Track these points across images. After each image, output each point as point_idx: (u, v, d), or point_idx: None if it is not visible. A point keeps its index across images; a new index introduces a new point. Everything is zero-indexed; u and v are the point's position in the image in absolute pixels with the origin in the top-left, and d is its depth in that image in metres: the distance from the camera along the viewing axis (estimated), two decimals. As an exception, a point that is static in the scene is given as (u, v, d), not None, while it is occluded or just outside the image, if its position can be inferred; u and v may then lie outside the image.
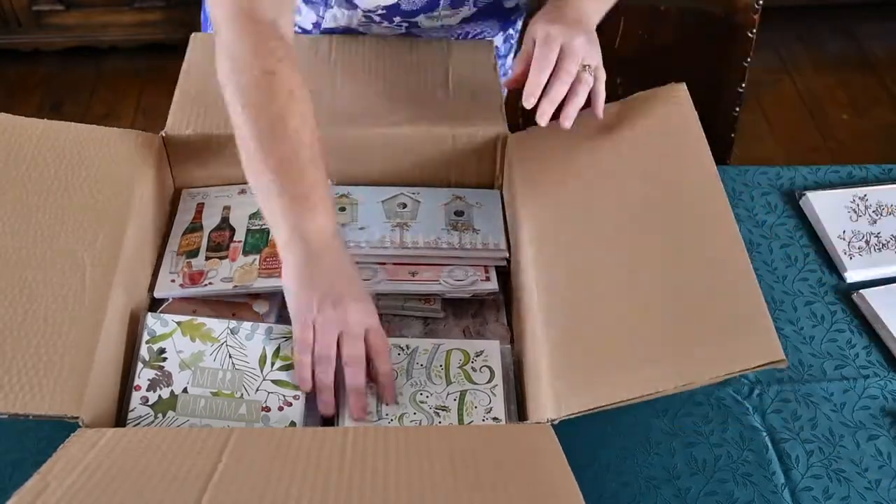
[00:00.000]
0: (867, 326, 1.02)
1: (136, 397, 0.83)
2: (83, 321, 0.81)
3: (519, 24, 1.29)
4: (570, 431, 0.76)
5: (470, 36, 1.17)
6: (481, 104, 1.02)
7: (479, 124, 1.01)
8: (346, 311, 0.83)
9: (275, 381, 0.85)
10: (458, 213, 1.02)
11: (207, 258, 0.96)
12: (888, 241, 1.10)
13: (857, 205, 1.14)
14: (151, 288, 0.95)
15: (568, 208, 0.92)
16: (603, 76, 0.95)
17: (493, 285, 0.97)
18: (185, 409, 0.83)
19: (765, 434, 0.92)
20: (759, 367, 0.76)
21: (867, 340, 1.01)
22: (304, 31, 1.16)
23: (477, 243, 0.99)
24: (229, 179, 1.04)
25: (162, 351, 0.86)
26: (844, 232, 1.11)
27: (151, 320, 0.87)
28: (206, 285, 0.93)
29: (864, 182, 1.18)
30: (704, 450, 0.91)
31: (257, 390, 0.84)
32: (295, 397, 0.84)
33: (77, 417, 0.75)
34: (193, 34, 1.10)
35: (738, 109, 1.50)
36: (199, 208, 1.01)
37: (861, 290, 1.05)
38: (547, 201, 0.93)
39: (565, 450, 0.73)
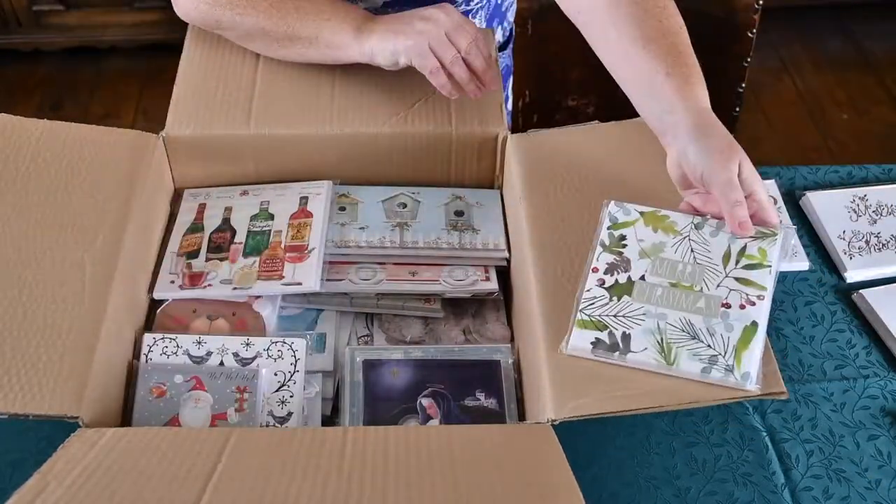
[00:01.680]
0: (867, 326, 1.03)
1: (592, 278, 0.83)
2: (83, 321, 0.81)
3: (510, 16, 1.29)
4: (570, 431, 0.76)
5: None
6: (481, 104, 1.02)
7: (479, 124, 1.01)
8: (438, 20, 0.93)
9: (738, 279, 0.83)
10: (458, 213, 1.02)
11: (208, 259, 0.96)
12: (888, 241, 1.10)
13: (857, 205, 1.14)
14: (152, 288, 0.95)
15: (568, 208, 0.92)
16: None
17: (493, 285, 0.97)
18: (641, 296, 0.82)
19: (765, 434, 0.92)
20: (760, 396, 0.77)
21: (867, 340, 1.01)
22: None
23: (477, 243, 0.99)
24: (230, 179, 1.04)
25: (622, 238, 0.85)
26: (844, 232, 1.11)
27: (614, 208, 0.87)
28: (205, 287, 0.93)
29: (864, 182, 1.18)
30: (704, 450, 0.91)
31: (718, 286, 0.82)
32: (759, 297, 0.82)
33: (77, 417, 0.75)
34: (191, 26, 1.10)
35: (738, 109, 1.51)
36: (201, 209, 1.01)
37: (861, 290, 1.05)
38: (547, 201, 0.93)
39: (565, 450, 0.73)
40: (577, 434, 0.78)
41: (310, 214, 0.98)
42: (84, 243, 0.87)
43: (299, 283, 0.93)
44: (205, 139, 0.99)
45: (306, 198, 1.00)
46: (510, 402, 0.89)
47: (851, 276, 1.07)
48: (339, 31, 0.98)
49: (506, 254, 0.98)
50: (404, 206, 1.02)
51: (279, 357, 0.89)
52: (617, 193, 0.91)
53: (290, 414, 0.87)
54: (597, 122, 1.00)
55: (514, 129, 1.01)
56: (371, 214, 1.01)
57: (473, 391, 0.89)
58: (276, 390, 0.88)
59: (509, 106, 1.39)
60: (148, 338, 0.90)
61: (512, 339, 0.96)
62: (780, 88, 2.57)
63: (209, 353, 0.89)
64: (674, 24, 0.92)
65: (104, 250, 0.86)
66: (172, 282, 0.95)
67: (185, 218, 1.01)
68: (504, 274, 0.99)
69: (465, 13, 1.18)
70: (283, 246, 0.96)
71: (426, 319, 0.97)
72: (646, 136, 0.92)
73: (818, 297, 1.06)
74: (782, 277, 1.07)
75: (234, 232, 0.98)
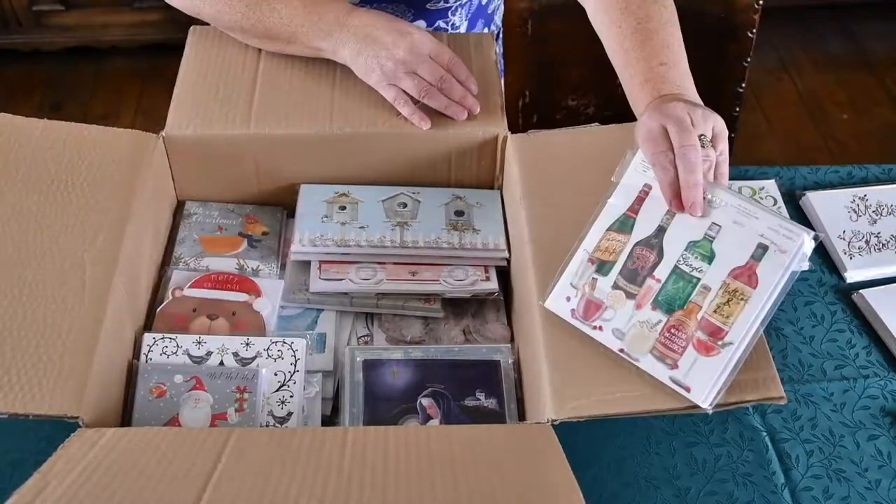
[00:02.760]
0: (867, 326, 1.03)
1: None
2: (83, 321, 0.81)
3: (498, 19, 1.29)
4: (570, 431, 0.76)
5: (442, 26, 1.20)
6: (481, 104, 1.02)
7: (479, 124, 1.01)
8: (408, 50, 0.97)
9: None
10: (458, 213, 1.02)
11: (616, 285, 0.75)
12: (888, 241, 1.10)
13: (857, 205, 1.14)
14: (155, 290, 0.95)
15: (568, 208, 0.92)
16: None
17: (493, 285, 0.97)
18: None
19: (765, 434, 0.92)
20: (758, 400, 0.77)
21: (867, 340, 1.01)
22: None
23: (477, 243, 0.99)
24: (230, 179, 1.04)
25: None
26: (844, 232, 1.11)
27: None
28: (595, 327, 0.75)
29: (864, 182, 1.18)
30: (704, 450, 0.91)
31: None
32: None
33: (77, 417, 0.75)
34: (192, 27, 1.10)
35: (738, 109, 1.50)
36: (643, 195, 0.77)
37: (861, 290, 1.05)
38: (547, 201, 0.93)
39: (565, 450, 0.73)
40: (577, 434, 0.78)
41: (756, 282, 0.75)
42: (84, 243, 0.87)
43: (687, 390, 0.74)
44: (205, 139, 0.99)
45: (765, 248, 0.77)
46: (510, 402, 0.89)
47: (851, 276, 1.07)
48: (313, 38, 0.99)
49: (506, 254, 0.98)
50: (404, 205, 1.02)
51: (279, 357, 0.89)
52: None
53: (290, 414, 0.87)
54: (597, 124, 1.00)
55: (514, 129, 1.01)
56: (371, 214, 1.01)
57: (473, 391, 0.89)
58: (276, 390, 0.88)
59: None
60: (148, 338, 0.90)
61: (512, 339, 0.96)
62: (780, 88, 2.57)
63: (209, 353, 0.89)
64: (664, 15, 0.95)
65: (104, 250, 0.86)
66: (569, 298, 0.80)
67: (618, 202, 0.79)
68: (504, 274, 0.99)
69: (444, 10, 1.18)
70: (699, 317, 0.76)
71: (426, 319, 0.97)
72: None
73: (818, 297, 1.06)
74: (782, 277, 1.07)
75: (660, 256, 0.77)
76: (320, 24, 0.99)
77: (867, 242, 1.10)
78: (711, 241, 0.79)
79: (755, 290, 0.77)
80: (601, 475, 0.88)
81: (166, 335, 0.90)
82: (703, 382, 0.76)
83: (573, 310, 0.82)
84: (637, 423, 0.92)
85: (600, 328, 0.80)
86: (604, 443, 0.90)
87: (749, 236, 0.78)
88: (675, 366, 0.77)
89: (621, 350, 0.79)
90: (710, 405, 0.76)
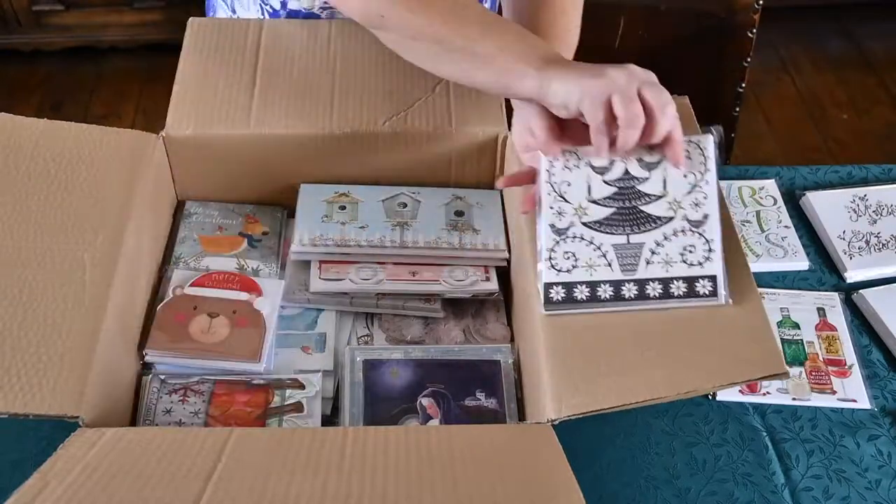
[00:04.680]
0: (867, 326, 1.02)
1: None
2: (83, 321, 0.81)
3: None
4: (570, 431, 0.75)
5: None
6: (481, 104, 1.02)
7: (479, 124, 1.01)
8: (633, 72, 0.80)
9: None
10: (458, 213, 1.02)
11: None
12: (888, 241, 1.10)
13: (857, 205, 1.14)
14: (155, 290, 0.95)
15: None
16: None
17: (493, 285, 0.97)
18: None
19: (765, 434, 0.92)
20: (760, 378, 0.77)
21: (867, 340, 1.01)
22: (274, 12, 1.15)
23: (477, 243, 0.99)
24: (230, 179, 1.04)
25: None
26: (844, 232, 1.11)
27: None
28: (762, 394, 0.96)
29: (864, 182, 1.18)
30: (704, 450, 0.91)
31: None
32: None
33: (77, 417, 0.75)
34: (191, 19, 1.09)
35: (737, 109, 1.51)
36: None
37: (861, 290, 1.05)
38: (547, 201, 0.93)
39: (565, 450, 0.73)
40: (577, 434, 0.78)
41: (833, 327, 1.01)
42: (84, 243, 0.87)
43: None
44: (205, 139, 0.99)
45: (823, 309, 1.02)
46: (510, 402, 0.89)
47: (851, 276, 1.07)
48: (522, 59, 0.83)
49: (506, 254, 0.98)
50: (404, 205, 1.02)
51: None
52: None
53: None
54: None
55: (514, 129, 1.01)
56: (371, 214, 1.01)
57: (473, 391, 0.89)
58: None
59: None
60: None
61: (512, 339, 0.96)
62: (780, 88, 2.57)
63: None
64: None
65: (104, 250, 0.86)
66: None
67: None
68: (504, 274, 0.99)
69: None
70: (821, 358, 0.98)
71: (426, 319, 0.97)
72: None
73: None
74: (782, 276, 1.07)
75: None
76: (536, 47, 0.85)
77: (867, 242, 1.10)
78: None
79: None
80: (601, 475, 0.88)
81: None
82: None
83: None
84: (637, 423, 0.92)
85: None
86: (604, 443, 0.90)
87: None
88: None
89: None
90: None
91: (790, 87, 2.57)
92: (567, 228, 0.82)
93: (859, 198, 1.15)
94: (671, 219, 0.82)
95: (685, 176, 0.82)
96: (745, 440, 0.92)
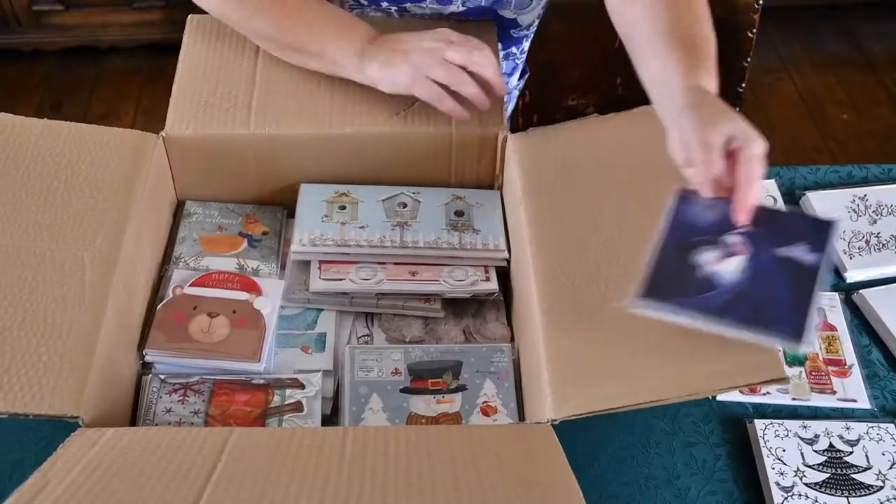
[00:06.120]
0: (867, 326, 1.02)
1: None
2: (83, 321, 0.81)
3: (525, 45, 1.25)
4: (570, 431, 0.76)
5: None
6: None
7: (479, 124, 1.01)
8: (434, 38, 0.95)
9: None
10: (458, 213, 1.02)
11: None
12: (888, 241, 1.10)
13: (857, 205, 1.14)
14: (155, 290, 0.95)
15: (568, 208, 0.92)
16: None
17: (493, 285, 0.97)
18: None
19: (765, 434, 0.92)
20: (760, 382, 0.77)
21: (867, 340, 1.01)
22: None
23: (477, 243, 0.99)
24: (230, 179, 1.04)
25: None
26: (844, 232, 1.11)
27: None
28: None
29: (864, 182, 1.18)
30: (704, 450, 0.91)
31: None
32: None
33: (77, 417, 0.75)
34: (191, 16, 1.09)
35: (737, 109, 1.50)
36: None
37: (861, 290, 1.05)
38: (547, 201, 0.93)
39: (565, 450, 0.73)
40: (577, 434, 0.78)
41: (833, 327, 1.01)
42: (84, 243, 0.87)
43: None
44: (205, 139, 0.99)
45: (823, 309, 1.02)
46: (510, 402, 0.89)
47: (851, 276, 1.07)
48: (344, 54, 0.98)
49: (506, 254, 0.98)
50: (404, 205, 1.02)
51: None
52: (617, 191, 0.91)
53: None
54: (596, 115, 1.00)
55: (514, 129, 1.01)
56: (371, 214, 1.01)
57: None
58: None
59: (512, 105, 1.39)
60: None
61: (512, 339, 0.96)
62: (780, 88, 2.56)
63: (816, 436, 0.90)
64: (702, 28, 0.92)
65: (104, 250, 0.86)
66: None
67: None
68: (504, 274, 0.99)
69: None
70: (821, 358, 0.98)
71: (426, 319, 0.97)
72: (646, 127, 0.91)
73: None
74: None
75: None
76: (353, 40, 0.98)
77: (867, 242, 1.10)
78: None
79: None
80: (601, 475, 0.88)
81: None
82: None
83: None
84: (637, 423, 0.92)
85: None
86: (604, 443, 0.90)
87: None
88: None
89: None
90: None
91: (790, 87, 2.57)
92: None
93: (859, 198, 1.15)
94: None
95: None
96: (746, 440, 0.92)
